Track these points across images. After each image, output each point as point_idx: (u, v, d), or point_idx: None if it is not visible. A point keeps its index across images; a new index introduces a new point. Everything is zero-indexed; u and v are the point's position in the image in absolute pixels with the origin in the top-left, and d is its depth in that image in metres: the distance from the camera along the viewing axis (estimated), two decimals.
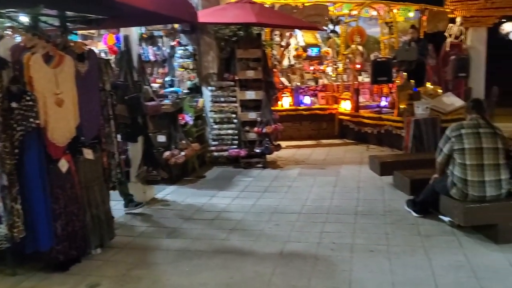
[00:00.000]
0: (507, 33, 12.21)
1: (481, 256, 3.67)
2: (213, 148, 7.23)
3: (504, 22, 12.18)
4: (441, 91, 8.93)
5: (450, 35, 11.58)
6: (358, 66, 10.49)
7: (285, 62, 10.56)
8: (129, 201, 5.12)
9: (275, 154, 7.54)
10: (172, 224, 4.79)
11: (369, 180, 6.16)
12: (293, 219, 4.74)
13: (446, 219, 4.41)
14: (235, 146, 7.13)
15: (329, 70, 10.56)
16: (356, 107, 9.25)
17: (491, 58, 12.14)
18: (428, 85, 9.26)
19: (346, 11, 10.34)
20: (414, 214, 4.67)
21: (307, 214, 4.91)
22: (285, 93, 9.71)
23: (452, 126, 4.24)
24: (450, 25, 11.52)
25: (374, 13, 10.61)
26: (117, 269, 3.73)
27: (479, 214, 3.93)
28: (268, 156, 7.31)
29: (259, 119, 7.07)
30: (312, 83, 10.24)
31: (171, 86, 7.32)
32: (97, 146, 4.10)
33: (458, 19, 11.60)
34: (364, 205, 5.14)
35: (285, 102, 9.66)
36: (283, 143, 8.42)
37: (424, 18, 10.87)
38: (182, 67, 7.35)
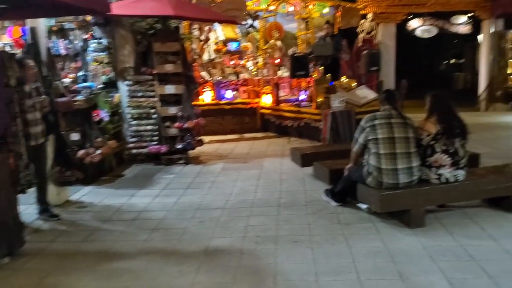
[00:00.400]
0: (414, 29, 13.01)
1: (396, 241, 3.84)
2: (131, 145, 6.98)
3: (411, 18, 12.97)
4: (355, 84, 9.31)
5: (362, 31, 12.13)
6: (277, 61, 10.66)
7: (205, 56, 10.48)
8: (44, 210, 4.78)
9: (198, 150, 7.43)
10: (90, 226, 4.54)
11: (291, 172, 6.27)
12: (218, 215, 4.69)
13: (364, 206, 4.59)
14: (155, 143, 6.93)
15: (249, 64, 10.62)
16: (277, 101, 9.40)
17: (399, 52, 12.90)
18: (343, 79, 9.61)
19: (264, 6, 10.43)
20: (334, 203, 4.81)
21: (231, 209, 4.88)
22: (206, 88, 9.63)
23: (366, 117, 4.40)
24: (362, 21, 12.07)
25: (291, 8, 10.82)
26: (29, 278, 3.46)
27: (393, 201, 4.12)
28: (190, 151, 7.19)
29: (180, 114, 6.92)
30: (233, 78, 10.25)
31: (85, 81, 6.96)
32: (2, 146, 3.77)
33: (369, 15, 12.19)
34: (287, 197, 5.21)
35: (207, 96, 9.59)
36: (206, 138, 8.34)
37: (338, 14, 11.26)
38: (96, 61, 7.02)
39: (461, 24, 13.01)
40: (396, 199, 4.12)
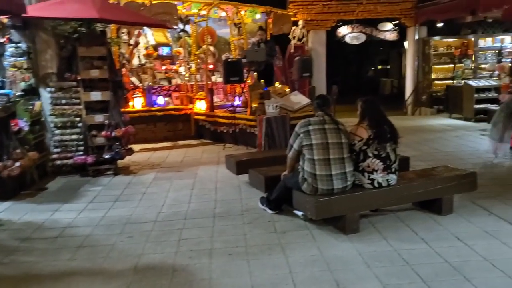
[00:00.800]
0: (343, 36, 13.37)
1: (332, 248, 3.81)
2: (55, 156, 6.53)
3: (340, 25, 13.32)
4: (288, 90, 9.36)
5: (294, 37, 12.28)
6: (211, 66, 10.52)
7: (135, 61, 10.12)
8: None
9: (128, 159, 7.10)
10: (6, 246, 4.14)
11: (227, 180, 6.12)
12: (148, 229, 4.44)
13: (300, 213, 4.54)
14: (81, 153, 6.53)
15: (182, 70, 10.39)
16: (211, 107, 9.25)
17: (330, 58, 13.20)
18: (277, 84, 9.64)
19: (195, 11, 10.25)
20: (270, 211, 4.72)
21: (163, 221, 4.65)
22: (136, 94, 9.30)
23: (301, 123, 4.37)
24: (294, 27, 12.21)
25: (223, 14, 10.71)
26: None
27: (328, 207, 4.09)
28: (119, 161, 6.85)
29: (107, 122, 6.57)
30: (165, 83, 9.98)
31: (1, 88, 6.43)
32: None
33: (300, 22, 12.37)
34: (222, 206, 5.05)
35: (137, 103, 9.26)
36: (137, 147, 8.04)
37: (270, 20, 11.31)
38: (15, 66, 6.50)
39: (387, 31, 13.53)
40: (331, 205, 4.09)
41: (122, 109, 7.18)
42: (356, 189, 4.23)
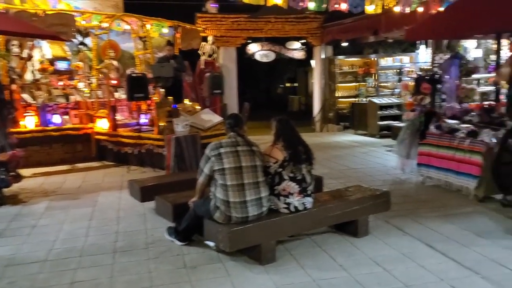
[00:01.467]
0: (253, 54, 13.35)
1: (248, 283, 3.48)
2: None
3: (250, 43, 13.30)
4: (199, 107, 9.01)
5: (203, 53, 12.00)
6: (114, 81, 9.85)
7: (28, 77, 9.16)
8: None
9: (17, 186, 6.26)
10: None
11: (130, 208, 5.56)
12: (35, 271, 3.79)
13: (212, 244, 4.17)
14: None
15: (81, 85, 9.59)
16: (114, 125, 8.57)
17: (240, 75, 13.11)
18: (186, 101, 9.25)
19: (96, 23, 9.57)
20: (178, 243, 4.29)
21: (54, 260, 4.01)
22: (28, 112, 8.38)
23: (211, 145, 4.02)
24: (203, 43, 11.94)
25: (127, 27, 10.13)
26: None
27: (243, 237, 3.76)
28: (5, 189, 5.99)
29: None
30: (62, 100, 9.13)
31: None
32: None
33: (210, 38, 12.13)
34: (124, 239, 4.51)
35: (30, 122, 8.34)
36: (29, 171, 7.23)
37: (178, 35, 10.91)
38: None
39: (295, 49, 13.74)
40: (246, 235, 3.76)
41: (10, 130, 6.34)
42: (271, 215, 3.96)
